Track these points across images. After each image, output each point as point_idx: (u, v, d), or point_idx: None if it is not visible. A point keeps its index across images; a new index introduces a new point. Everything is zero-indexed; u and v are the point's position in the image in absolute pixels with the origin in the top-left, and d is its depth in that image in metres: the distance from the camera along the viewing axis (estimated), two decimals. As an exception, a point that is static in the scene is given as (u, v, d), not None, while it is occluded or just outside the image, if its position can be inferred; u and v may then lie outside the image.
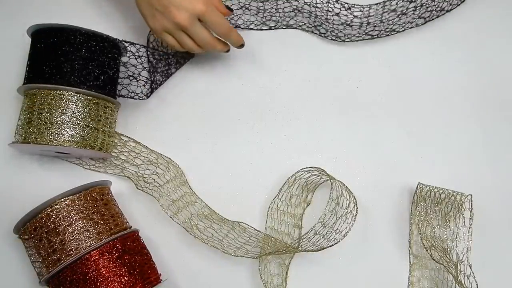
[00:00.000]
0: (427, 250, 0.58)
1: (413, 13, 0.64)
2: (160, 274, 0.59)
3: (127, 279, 0.54)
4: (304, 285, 0.62)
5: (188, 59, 0.68)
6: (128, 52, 0.64)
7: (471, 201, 0.61)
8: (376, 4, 0.64)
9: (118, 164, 0.64)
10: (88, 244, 0.54)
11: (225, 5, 0.60)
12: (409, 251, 0.62)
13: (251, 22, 0.67)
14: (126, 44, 0.63)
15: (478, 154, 0.66)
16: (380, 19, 0.63)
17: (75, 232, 0.54)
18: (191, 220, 0.61)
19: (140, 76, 0.66)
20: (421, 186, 0.62)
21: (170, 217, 0.61)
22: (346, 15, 0.64)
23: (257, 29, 0.69)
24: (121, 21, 0.70)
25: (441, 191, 0.61)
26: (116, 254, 0.55)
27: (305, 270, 0.63)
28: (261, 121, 0.67)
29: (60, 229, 0.54)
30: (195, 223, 0.60)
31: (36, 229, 0.55)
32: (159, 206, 0.62)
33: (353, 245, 0.62)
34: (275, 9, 0.66)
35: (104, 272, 0.54)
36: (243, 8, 0.66)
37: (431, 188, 0.61)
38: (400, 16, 0.63)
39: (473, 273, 0.57)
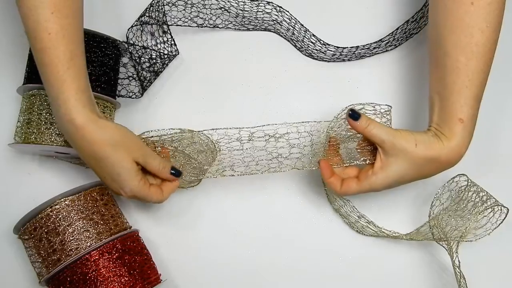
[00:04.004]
0: (430, 228, 0.58)
1: (385, 46, 0.67)
2: (160, 274, 0.59)
3: (127, 279, 0.54)
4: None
5: (173, 58, 0.67)
6: (128, 53, 0.64)
7: (506, 215, 0.59)
8: (351, 46, 0.65)
9: None
10: (88, 244, 0.54)
11: (171, 169, 0.56)
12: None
13: (229, 22, 0.68)
14: (126, 45, 0.63)
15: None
16: (353, 52, 0.66)
17: (75, 232, 0.54)
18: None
19: (135, 75, 0.66)
20: (461, 179, 0.61)
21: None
22: (320, 47, 0.66)
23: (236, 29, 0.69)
24: (121, 22, 0.70)
25: (480, 190, 0.59)
26: (116, 254, 0.55)
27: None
28: (259, 119, 0.67)
29: (60, 229, 0.54)
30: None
31: (36, 229, 0.55)
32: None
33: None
34: (254, 16, 0.67)
35: (104, 272, 0.54)
36: (222, 9, 0.66)
37: (471, 183, 0.60)
38: (372, 50, 0.67)
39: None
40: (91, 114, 0.51)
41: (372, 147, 0.55)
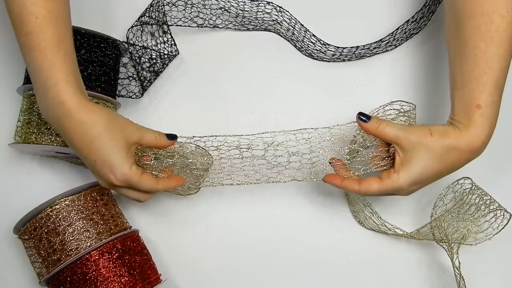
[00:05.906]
0: (431, 229, 0.58)
1: (385, 46, 0.67)
2: (160, 274, 0.59)
3: (127, 279, 0.54)
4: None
5: (173, 58, 0.67)
6: (128, 53, 0.65)
7: (508, 220, 0.58)
8: (351, 46, 0.65)
9: None
10: (88, 244, 0.54)
11: (167, 135, 0.55)
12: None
13: (229, 22, 0.68)
14: (126, 45, 0.63)
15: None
16: (353, 52, 0.66)
17: (75, 232, 0.54)
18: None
19: (135, 75, 0.66)
20: (465, 181, 0.60)
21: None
22: (320, 47, 0.66)
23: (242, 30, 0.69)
24: (121, 22, 0.70)
25: (483, 194, 0.59)
26: (116, 254, 0.55)
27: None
28: (259, 119, 0.67)
29: (60, 229, 0.54)
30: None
31: (36, 229, 0.55)
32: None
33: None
34: (254, 16, 0.67)
35: (104, 272, 0.54)
36: (222, 9, 0.66)
37: (475, 186, 0.60)
38: (372, 50, 0.67)
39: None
40: (81, 97, 0.50)
41: (387, 153, 0.54)
